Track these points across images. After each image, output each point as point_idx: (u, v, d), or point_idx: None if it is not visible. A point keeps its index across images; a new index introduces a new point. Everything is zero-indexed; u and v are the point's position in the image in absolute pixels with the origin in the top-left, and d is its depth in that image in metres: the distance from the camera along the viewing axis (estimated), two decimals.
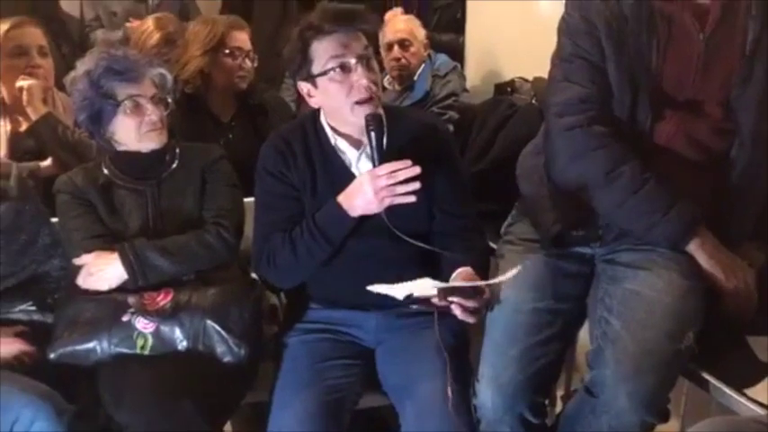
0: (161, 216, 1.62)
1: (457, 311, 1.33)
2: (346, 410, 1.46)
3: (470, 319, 1.35)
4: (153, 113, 1.57)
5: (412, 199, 1.38)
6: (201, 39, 2.17)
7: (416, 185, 1.37)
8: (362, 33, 1.46)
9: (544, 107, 1.53)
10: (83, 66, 1.59)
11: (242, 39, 2.21)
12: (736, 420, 1.16)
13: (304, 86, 1.50)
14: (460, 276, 1.42)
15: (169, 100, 1.64)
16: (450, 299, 1.32)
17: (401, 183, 1.37)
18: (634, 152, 1.38)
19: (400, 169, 1.36)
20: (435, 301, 1.35)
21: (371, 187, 1.38)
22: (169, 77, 1.65)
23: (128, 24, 2.82)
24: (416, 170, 1.36)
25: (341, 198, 1.45)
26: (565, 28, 1.44)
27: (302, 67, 1.47)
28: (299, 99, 2.75)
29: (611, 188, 1.36)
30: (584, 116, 1.39)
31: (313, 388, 1.43)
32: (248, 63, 2.20)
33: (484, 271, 1.51)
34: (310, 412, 1.39)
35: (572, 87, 1.41)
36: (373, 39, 1.52)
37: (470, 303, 1.33)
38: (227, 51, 2.16)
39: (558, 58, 1.45)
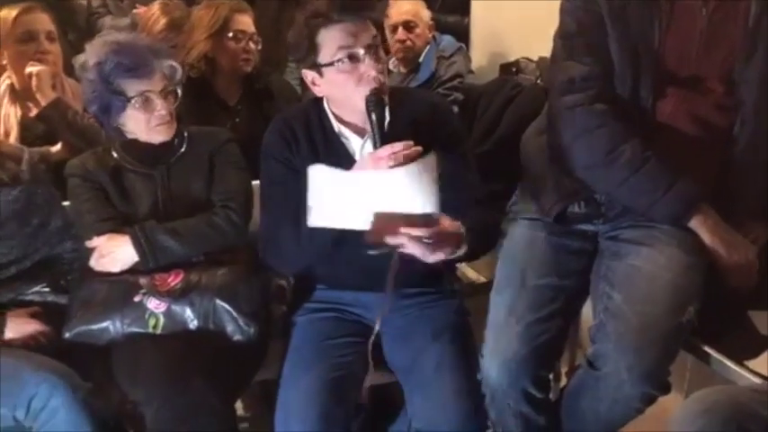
0: (170, 200, 1.64)
1: (407, 243, 1.28)
2: (353, 387, 1.48)
3: (428, 256, 1.31)
4: (162, 108, 1.58)
5: None
6: (205, 23, 2.18)
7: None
8: (370, 21, 1.44)
9: (547, 86, 1.53)
10: (93, 55, 1.58)
11: (245, 22, 2.21)
12: (735, 389, 1.18)
13: (309, 75, 1.48)
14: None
15: (178, 91, 1.65)
16: (403, 230, 1.26)
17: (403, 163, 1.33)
18: (635, 130, 1.39)
19: (402, 150, 1.33)
20: (389, 240, 1.29)
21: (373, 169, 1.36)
22: (179, 68, 1.65)
23: (135, 11, 2.83)
24: (418, 150, 1.33)
25: None
26: (567, 6, 1.44)
27: (308, 56, 1.45)
28: (304, 83, 2.77)
29: (613, 167, 1.37)
30: (585, 94, 1.39)
31: (320, 365, 1.45)
32: (252, 46, 2.21)
33: (483, 241, 1.47)
34: (317, 389, 1.41)
35: (574, 65, 1.41)
36: (379, 26, 1.52)
37: (419, 232, 1.28)
38: (230, 35, 2.17)
39: (560, 37, 1.46)
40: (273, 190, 1.55)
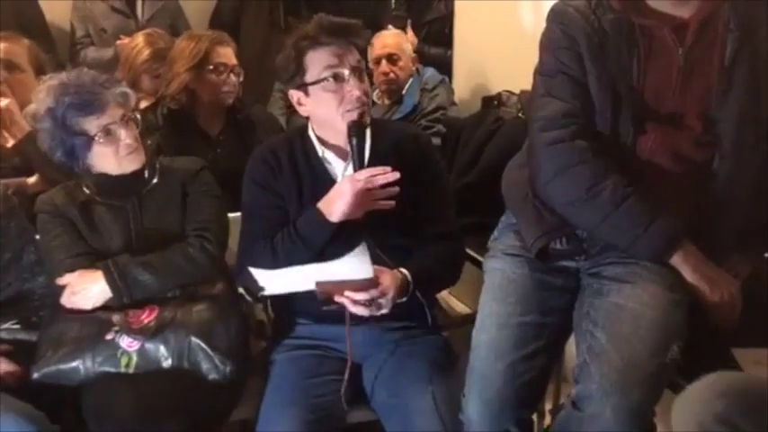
0: (143, 232, 1.62)
1: (348, 305, 1.39)
2: (333, 427, 1.46)
3: (364, 312, 1.40)
4: (127, 137, 1.56)
5: (390, 204, 1.42)
6: (186, 55, 2.17)
7: (395, 190, 1.41)
8: (355, 47, 1.51)
9: (527, 122, 1.53)
10: (42, 103, 1.54)
11: (226, 54, 2.21)
12: (747, 376, 1.20)
13: (295, 95, 1.53)
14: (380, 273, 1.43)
15: (138, 117, 1.63)
16: (346, 294, 1.38)
17: (380, 188, 1.41)
18: (616, 167, 1.39)
19: (379, 174, 1.41)
20: (337, 299, 1.40)
21: (351, 191, 1.42)
22: (131, 93, 1.63)
23: (118, 42, 2.83)
24: (395, 175, 1.41)
25: (321, 204, 1.48)
26: (546, 43, 1.45)
27: (295, 76, 1.50)
28: (289, 112, 2.77)
29: (594, 203, 1.37)
30: (566, 131, 1.40)
31: (299, 406, 1.43)
32: (233, 78, 2.20)
33: (443, 279, 1.58)
34: (296, 429, 1.39)
35: (554, 102, 1.42)
36: (363, 53, 1.57)
37: (359, 296, 1.38)
38: (211, 67, 2.16)
39: (540, 74, 1.47)
40: (253, 214, 1.58)
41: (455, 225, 1.62)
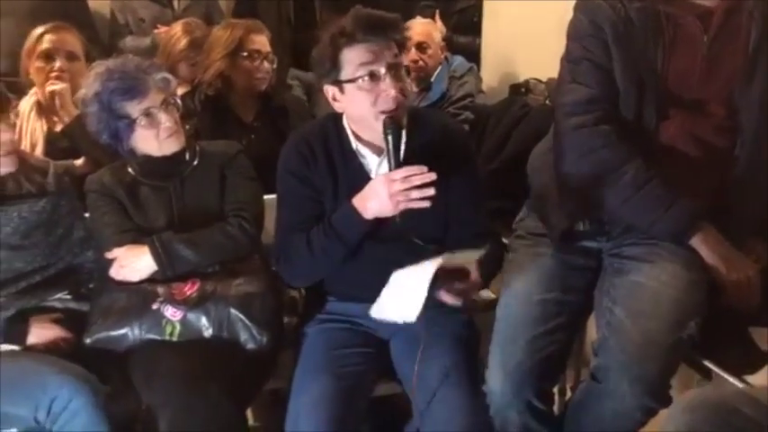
0: (185, 211, 1.69)
1: (445, 297, 1.38)
2: (362, 396, 1.51)
3: (457, 302, 1.40)
4: (167, 120, 1.63)
5: (426, 204, 1.38)
6: (222, 43, 2.25)
7: (431, 191, 1.37)
8: (393, 42, 1.45)
9: (554, 107, 1.58)
10: (90, 88, 1.63)
11: (260, 41, 2.27)
12: (722, 390, 1.21)
13: (330, 90, 1.50)
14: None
15: (178, 101, 1.70)
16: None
17: (416, 188, 1.37)
18: (639, 151, 1.42)
19: (416, 174, 1.37)
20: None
21: (386, 191, 1.39)
22: (171, 79, 1.70)
23: (156, 31, 2.91)
24: (432, 176, 1.36)
25: (355, 200, 1.46)
26: (573, 31, 1.49)
27: (330, 72, 1.47)
28: (308, 95, 2.84)
29: (617, 185, 1.41)
30: (591, 116, 1.44)
31: (329, 374, 1.48)
32: (266, 65, 2.26)
33: (493, 270, 1.54)
34: (327, 396, 1.44)
35: (580, 88, 1.46)
36: (402, 47, 1.50)
37: (455, 285, 1.38)
38: (245, 54, 2.23)
39: (567, 61, 1.50)
40: (289, 204, 1.58)
41: (488, 224, 1.61)
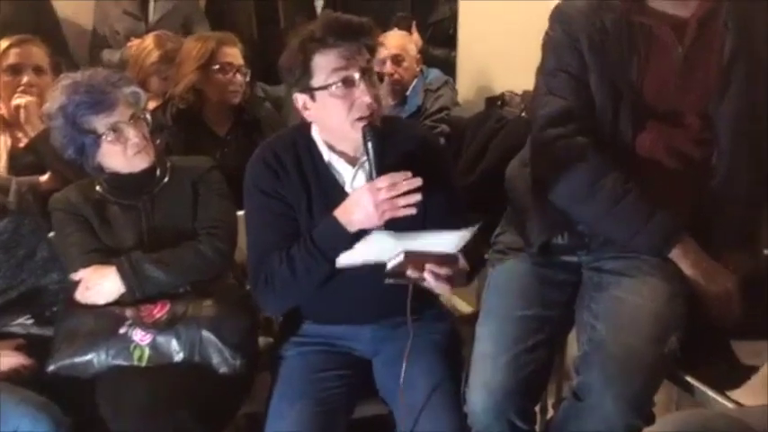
0: (155, 230, 1.65)
1: (430, 279, 1.33)
2: (342, 420, 1.47)
3: (445, 288, 1.37)
4: (135, 136, 1.58)
5: (412, 211, 1.33)
6: (193, 55, 2.22)
7: (417, 197, 1.32)
8: (365, 47, 1.40)
9: (529, 120, 1.56)
10: (55, 101, 1.58)
11: (233, 54, 2.24)
12: (705, 412, 1.19)
13: (300, 98, 1.44)
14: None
15: (148, 117, 1.65)
16: (428, 267, 1.32)
17: (402, 195, 1.32)
18: (616, 163, 1.42)
19: (400, 181, 1.32)
20: (410, 273, 1.34)
21: (371, 200, 1.33)
22: (141, 93, 1.66)
23: (129, 44, 2.85)
24: (418, 181, 1.31)
25: (338, 213, 1.40)
26: (548, 42, 1.49)
27: (301, 79, 1.41)
28: (276, 109, 2.81)
29: (594, 199, 1.40)
30: (567, 128, 1.43)
31: (307, 398, 1.44)
32: (239, 78, 2.24)
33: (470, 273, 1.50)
34: (305, 422, 1.40)
35: (555, 100, 1.45)
36: (373, 53, 1.45)
37: (443, 270, 1.33)
38: (217, 67, 2.21)
39: (542, 73, 1.50)
40: (262, 224, 1.50)
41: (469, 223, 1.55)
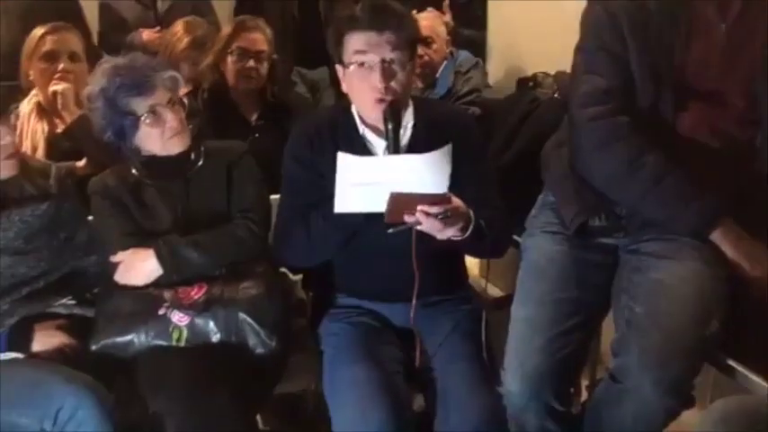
0: (190, 213, 1.66)
1: (422, 219, 1.34)
2: (399, 382, 1.48)
3: (442, 232, 1.36)
4: (172, 120, 1.60)
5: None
6: (217, 41, 2.26)
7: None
8: (395, 37, 1.45)
9: (568, 99, 1.54)
10: (96, 84, 1.60)
11: (250, 39, 2.25)
12: (754, 398, 1.17)
13: (339, 69, 1.53)
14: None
15: (185, 101, 1.67)
16: (419, 208, 1.33)
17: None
18: (657, 143, 1.39)
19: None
20: (407, 218, 1.36)
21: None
22: (179, 78, 1.68)
23: (139, 31, 2.86)
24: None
25: None
26: (587, 21, 1.45)
27: (335, 52, 1.50)
28: (312, 93, 2.81)
29: (634, 178, 1.37)
30: (607, 107, 1.40)
31: (365, 361, 1.46)
32: (253, 63, 2.23)
33: (496, 239, 1.50)
34: (368, 384, 1.41)
35: (595, 79, 1.42)
36: (410, 43, 1.49)
37: (434, 209, 1.34)
38: (230, 52, 2.22)
39: (581, 51, 1.47)
40: (291, 189, 1.59)
41: (500, 204, 1.58)
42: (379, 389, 1.40)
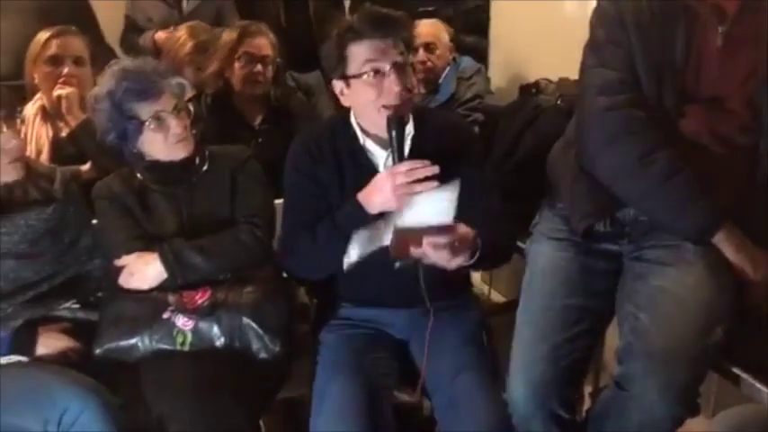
0: (195, 218, 1.67)
1: (429, 251, 1.34)
2: (385, 398, 1.48)
3: (449, 263, 1.36)
4: (176, 126, 1.61)
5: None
6: (221, 46, 2.25)
7: (434, 184, 1.38)
8: (400, 41, 1.48)
9: (578, 94, 1.51)
10: (104, 85, 1.61)
11: (256, 44, 2.25)
12: (764, 408, 1.17)
13: (338, 85, 1.53)
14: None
15: (191, 108, 1.68)
16: (426, 239, 1.33)
17: (419, 181, 1.38)
18: (668, 141, 1.37)
19: (419, 168, 1.39)
20: (413, 251, 1.36)
21: (389, 184, 1.40)
22: (186, 85, 1.69)
23: (153, 33, 2.87)
24: (435, 169, 1.37)
25: (360, 195, 1.48)
26: (598, 18, 1.44)
27: (337, 67, 1.50)
28: (306, 97, 2.81)
29: (644, 174, 1.35)
30: (621, 98, 1.38)
31: (352, 376, 1.47)
32: (260, 68, 2.24)
33: (495, 253, 1.50)
34: (350, 398, 1.42)
35: (608, 72, 1.41)
36: (409, 46, 1.53)
37: (441, 239, 1.34)
38: (237, 57, 2.22)
39: (592, 47, 1.45)
40: (294, 201, 1.60)
41: (503, 211, 1.58)
42: (357, 407, 1.40)
